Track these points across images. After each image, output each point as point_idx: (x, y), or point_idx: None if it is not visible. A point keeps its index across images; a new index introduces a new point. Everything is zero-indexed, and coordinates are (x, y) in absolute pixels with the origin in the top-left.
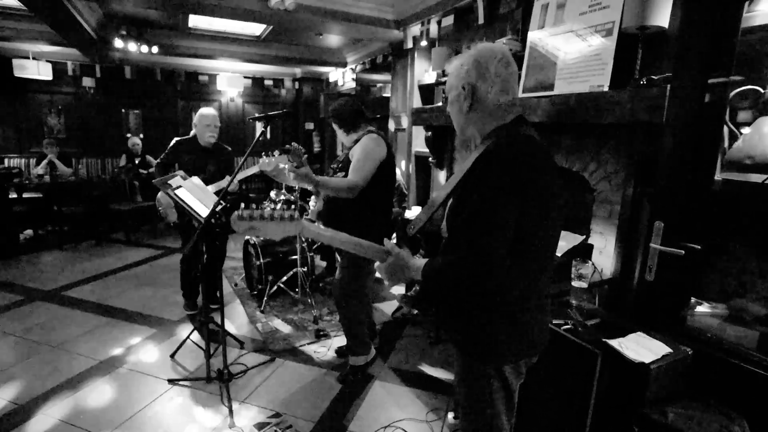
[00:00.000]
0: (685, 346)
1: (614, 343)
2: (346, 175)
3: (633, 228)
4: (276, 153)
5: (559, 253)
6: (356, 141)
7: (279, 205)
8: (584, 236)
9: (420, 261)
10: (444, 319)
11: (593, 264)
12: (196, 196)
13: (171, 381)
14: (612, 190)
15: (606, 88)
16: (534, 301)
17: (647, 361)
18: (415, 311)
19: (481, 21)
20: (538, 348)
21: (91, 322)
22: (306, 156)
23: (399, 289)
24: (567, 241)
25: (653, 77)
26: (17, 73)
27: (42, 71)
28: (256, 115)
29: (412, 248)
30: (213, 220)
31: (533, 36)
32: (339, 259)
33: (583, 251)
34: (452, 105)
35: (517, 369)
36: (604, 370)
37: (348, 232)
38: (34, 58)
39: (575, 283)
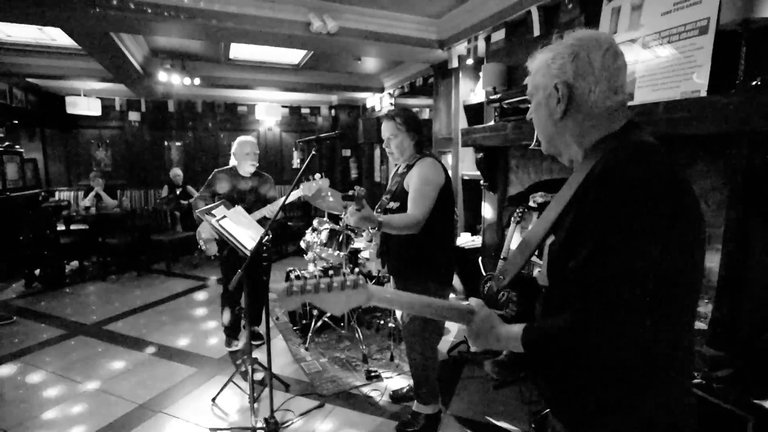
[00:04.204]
0: None
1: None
2: (400, 207)
3: (741, 255)
4: (317, 176)
5: None
6: (409, 166)
7: (332, 268)
8: None
9: (513, 328)
10: (551, 392)
11: (713, 300)
12: (241, 226)
13: (213, 430)
14: (710, 210)
15: (704, 93)
16: (679, 367)
17: None
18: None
19: (536, 33)
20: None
21: (132, 360)
22: (365, 192)
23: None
24: None
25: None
26: (69, 110)
27: (92, 107)
28: (298, 141)
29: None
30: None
31: None
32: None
33: None
34: (538, 110)
35: None
36: None
37: (411, 266)
38: (84, 95)
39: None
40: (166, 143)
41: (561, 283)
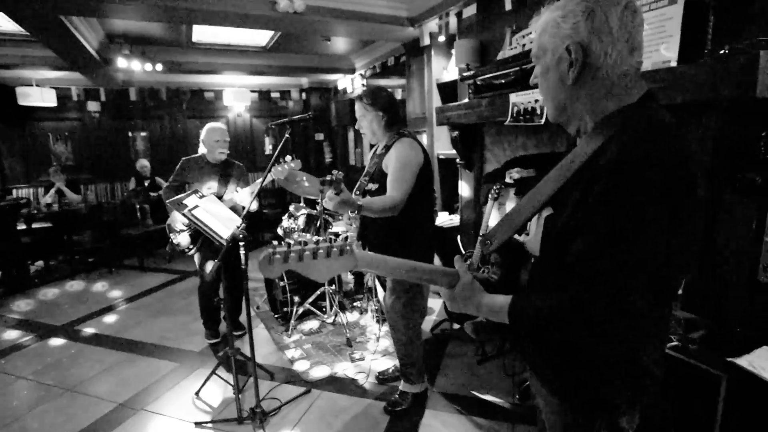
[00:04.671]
0: None
1: (743, 362)
2: (379, 188)
3: (711, 221)
4: (287, 159)
5: None
6: (387, 147)
7: (310, 235)
8: None
9: (496, 300)
10: (534, 357)
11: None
12: (214, 215)
13: (198, 424)
14: None
15: (674, 63)
16: (659, 335)
17: None
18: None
19: (508, 7)
20: (657, 387)
21: (108, 359)
22: (343, 175)
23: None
24: None
25: (736, 46)
26: (21, 102)
27: (46, 98)
28: (270, 124)
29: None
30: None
31: None
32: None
33: None
34: (546, 74)
35: (633, 416)
36: (731, 396)
37: (391, 248)
38: (37, 85)
39: None
40: (130, 134)
41: (555, 258)
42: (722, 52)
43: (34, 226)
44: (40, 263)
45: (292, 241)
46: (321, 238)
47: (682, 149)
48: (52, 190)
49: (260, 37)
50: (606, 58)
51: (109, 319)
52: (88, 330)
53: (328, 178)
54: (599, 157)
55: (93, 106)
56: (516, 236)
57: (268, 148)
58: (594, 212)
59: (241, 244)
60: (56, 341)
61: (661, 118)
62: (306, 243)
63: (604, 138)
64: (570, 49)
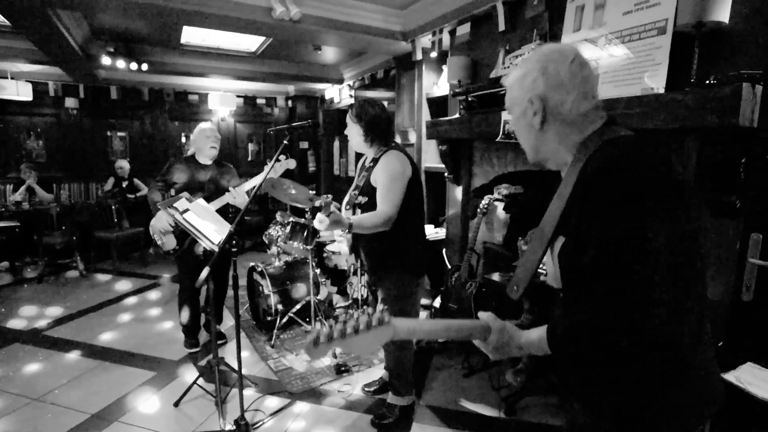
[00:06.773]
0: None
1: (730, 377)
2: (368, 201)
3: None
4: (282, 158)
5: None
6: (375, 160)
7: (351, 311)
8: None
9: (532, 334)
10: (578, 386)
11: None
12: (205, 219)
13: None
14: None
15: (661, 90)
16: (703, 347)
17: None
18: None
19: (501, 28)
20: (715, 407)
21: (79, 367)
22: (332, 198)
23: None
24: None
25: (720, 77)
26: None
27: (21, 92)
28: (270, 130)
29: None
30: (228, 246)
31: (568, 40)
32: (352, 282)
33: None
34: (518, 122)
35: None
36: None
37: (384, 260)
38: (12, 78)
39: None
40: (108, 133)
41: (578, 281)
42: (708, 81)
43: (0, 224)
44: (5, 264)
45: (333, 321)
46: (358, 312)
47: (657, 151)
48: (22, 188)
49: (250, 42)
50: (563, 105)
51: (80, 325)
52: (57, 336)
53: (317, 203)
54: (585, 176)
55: (71, 102)
56: (543, 274)
57: (252, 155)
58: (594, 217)
59: (233, 249)
60: (22, 348)
61: (628, 133)
62: (346, 321)
63: (583, 160)
64: (532, 101)
